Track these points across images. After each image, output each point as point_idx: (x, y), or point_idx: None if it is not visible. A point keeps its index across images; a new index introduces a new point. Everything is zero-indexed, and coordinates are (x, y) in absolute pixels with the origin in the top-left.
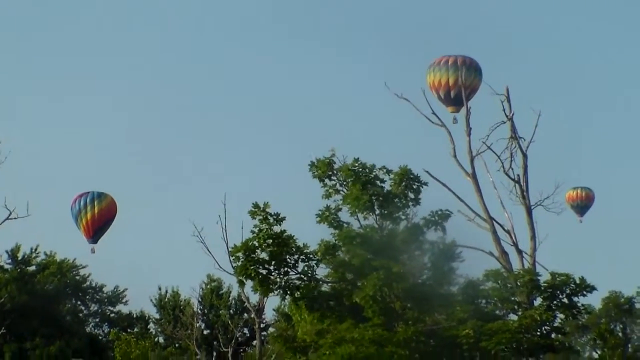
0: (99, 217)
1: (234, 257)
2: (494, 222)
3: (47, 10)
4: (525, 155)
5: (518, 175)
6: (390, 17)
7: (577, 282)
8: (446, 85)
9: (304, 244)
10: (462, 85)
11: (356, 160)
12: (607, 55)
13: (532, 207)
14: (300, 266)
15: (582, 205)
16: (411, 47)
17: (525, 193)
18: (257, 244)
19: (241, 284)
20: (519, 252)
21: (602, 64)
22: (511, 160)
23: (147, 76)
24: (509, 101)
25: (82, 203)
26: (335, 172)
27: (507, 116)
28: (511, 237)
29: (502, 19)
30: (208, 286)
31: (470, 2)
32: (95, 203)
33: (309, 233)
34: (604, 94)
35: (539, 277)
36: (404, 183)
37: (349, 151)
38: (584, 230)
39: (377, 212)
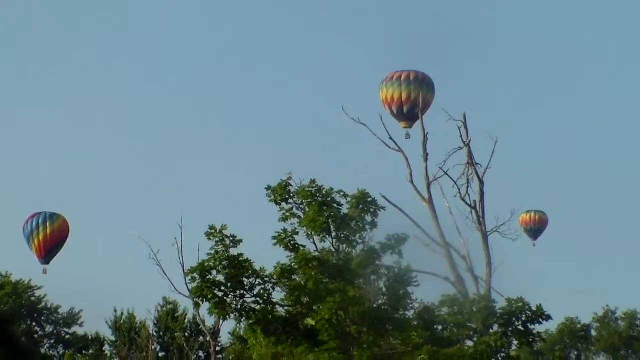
0: (51, 238)
1: (189, 278)
2: (450, 248)
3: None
4: (481, 182)
5: (474, 201)
6: (347, 39)
7: (534, 309)
8: (399, 101)
9: (260, 267)
10: (414, 100)
11: (313, 181)
12: (564, 80)
13: (488, 234)
14: (257, 289)
15: (536, 228)
16: (368, 69)
17: (481, 219)
18: (212, 265)
19: (197, 305)
20: (475, 278)
21: (559, 89)
22: (468, 187)
23: (104, 94)
24: (466, 127)
25: (34, 223)
26: (292, 195)
27: (464, 142)
28: (467, 263)
29: (461, 46)
30: (164, 309)
31: (429, 28)
32: (48, 224)
33: (265, 256)
34: (561, 120)
35: (495, 304)
36: (360, 206)
37: (305, 174)
38: (540, 257)
39: (334, 234)
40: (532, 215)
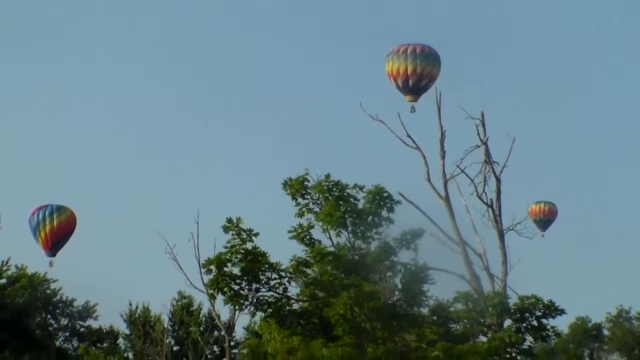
0: (58, 231)
1: (205, 270)
2: (466, 246)
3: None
4: (498, 180)
5: (491, 199)
6: (367, 36)
7: (546, 304)
8: (404, 74)
9: (276, 262)
10: (420, 74)
11: (327, 177)
12: (583, 81)
13: (504, 232)
14: (272, 283)
15: (545, 219)
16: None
17: (497, 217)
18: (229, 258)
19: (212, 297)
20: (490, 276)
21: (580, 86)
22: (484, 185)
23: (118, 87)
24: (483, 125)
25: (40, 216)
26: (308, 190)
27: (481, 140)
28: (483, 261)
29: (479, 44)
30: (179, 303)
31: (447, 27)
32: (55, 216)
33: (281, 250)
34: (580, 119)
35: (508, 300)
36: (377, 201)
37: (322, 171)
38: (555, 256)
39: (350, 229)
40: (541, 206)
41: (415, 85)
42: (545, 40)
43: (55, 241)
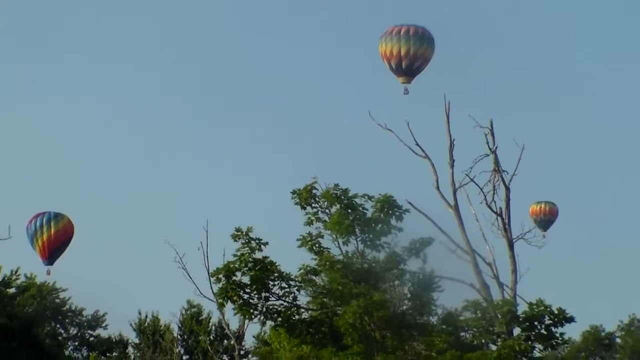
0: (54, 239)
1: (214, 279)
2: (476, 254)
3: None
4: (507, 189)
5: (500, 208)
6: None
7: (555, 312)
8: (397, 55)
9: (286, 273)
10: (413, 55)
11: (336, 185)
12: (586, 86)
13: (514, 240)
14: (281, 292)
15: (546, 219)
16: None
17: (507, 226)
18: (238, 267)
19: (221, 306)
20: (500, 285)
21: (582, 95)
22: (494, 193)
23: (124, 89)
24: (492, 134)
25: (37, 224)
26: (316, 199)
27: (490, 149)
28: (492, 270)
29: (487, 55)
30: (188, 312)
31: (456, 38)
32: (52, 224)
33: (290, 260)
34: (588, 121)
35: (517, 308)
36: (385, 209)
37: (331, 179)
38: (565, 264)
39: (359, 237)
40: (542, 206)
41: (409, 66)
42: (551, 41)
43: (52, 250)
